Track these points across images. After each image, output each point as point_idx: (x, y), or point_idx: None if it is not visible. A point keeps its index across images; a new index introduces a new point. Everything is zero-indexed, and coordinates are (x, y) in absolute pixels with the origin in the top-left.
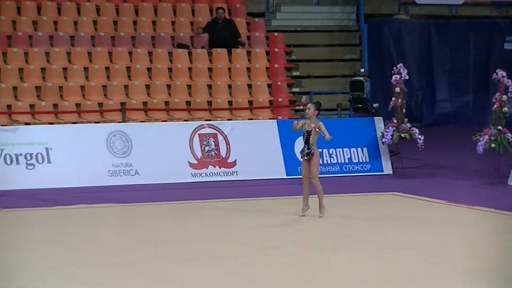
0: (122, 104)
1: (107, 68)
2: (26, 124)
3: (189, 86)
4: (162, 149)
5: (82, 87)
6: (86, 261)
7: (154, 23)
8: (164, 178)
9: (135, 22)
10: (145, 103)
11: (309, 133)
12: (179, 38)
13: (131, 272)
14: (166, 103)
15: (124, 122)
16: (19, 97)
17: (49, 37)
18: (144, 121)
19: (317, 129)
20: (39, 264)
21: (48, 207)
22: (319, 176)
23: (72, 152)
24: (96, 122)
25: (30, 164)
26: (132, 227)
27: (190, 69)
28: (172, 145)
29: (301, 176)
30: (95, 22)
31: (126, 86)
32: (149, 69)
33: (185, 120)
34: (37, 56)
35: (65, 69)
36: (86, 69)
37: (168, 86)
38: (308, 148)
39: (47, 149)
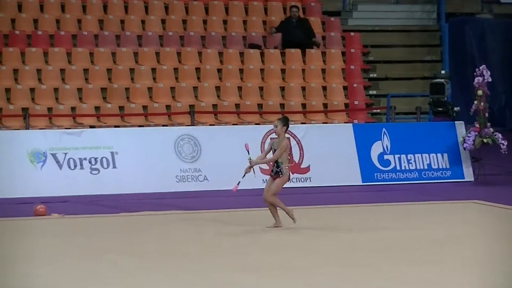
0: (191, 106)
1: (175, 69)
2: (91, 127)
3: (261, 88)
4: (232, 154)
5: (150, 89)
6: (154, 271)
7: (225, 22)
8: (233, 184)
9: (205, 21)
10: (215, 106)
11: (275, 151)
12: (251, 38)
13: (199, 281)
14: (237, 105)
15: (193, 125)
16: (84, 99)
17: (116, 37)
18: (213, 125)
19: (279, 147)
20: (107, 273)
21: (113, 214)
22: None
23: (138, 156)
24: (163, 126)
25: (94, 169)
26: (201, 235)
27: (262, 70)
28: (243, 149)
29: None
30: (163, 21)
31: (195, 88)
32: (219, 70)
33: (256, 124)
34: (103, 57)
35: (132, 70)
36: (153, 70)
37: (239, 88)
38: (278, 167)
39: (112, 153)
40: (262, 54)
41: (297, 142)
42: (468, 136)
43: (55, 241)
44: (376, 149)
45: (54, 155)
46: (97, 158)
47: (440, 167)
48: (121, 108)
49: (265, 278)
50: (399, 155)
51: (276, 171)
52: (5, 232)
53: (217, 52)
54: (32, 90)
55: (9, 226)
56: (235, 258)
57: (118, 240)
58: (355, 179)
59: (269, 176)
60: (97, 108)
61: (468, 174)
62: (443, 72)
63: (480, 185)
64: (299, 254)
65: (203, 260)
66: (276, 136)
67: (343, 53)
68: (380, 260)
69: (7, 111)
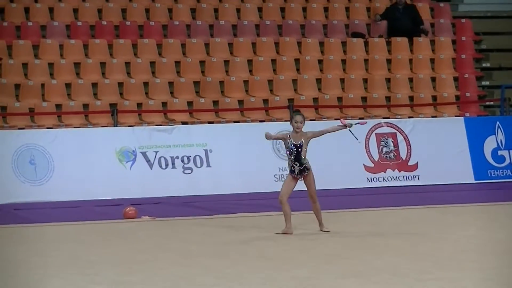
0: (290, 100)
1: (273, 61)
2: (183, 123)
3: (365, 80)
4: (334, 150)
5: (246, 82)
6: (252, 277)
7: (326, 9)
8: (337, 183)
9: (304, 9)
10: (315, 99)
11: (299, 147)
12: (354, 26)
13: None
14: (339, 99)
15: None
16: (175, 94)
17: (209, 27)
18: (314, 120)
19: (308, 140)
20: (200, 278)
21: (208, 216)
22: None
23: (234, 154)
24: (260, 121)
25: (187, 168)
26: (300, 238)
27: (366, 60)
28: (346, 146)
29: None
30: (259, 9)
31: (294, 81)
32: (320, 61)
33: (360, 118)
34: (195, 48)
35: (226, 62)
36: (250, 61)
37: (342, 80)
38: (301, 165)
39: (206, 151)
40: (366, 44)
41: (404, 138)
42: None
43: (145, 245)
44: (489, 144)
45: (144, 154)
46: (190, 156)
47: None
48: (215, 102)
49: (373, 284)
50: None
51: (300, 170)
52: (94, 236)
53: (318, 41)
54: (120, 84)
55: (97, 229)
56: (335, 263)
57: (211, 243)
58: (467, 176)
59: (289, 175)
60: (189, 103)
61: None
62: None
63: None
64: (407, 259)
65: (305, 265)
66: (294, 132)
67: (454, 41)
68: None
69: (94, 107)
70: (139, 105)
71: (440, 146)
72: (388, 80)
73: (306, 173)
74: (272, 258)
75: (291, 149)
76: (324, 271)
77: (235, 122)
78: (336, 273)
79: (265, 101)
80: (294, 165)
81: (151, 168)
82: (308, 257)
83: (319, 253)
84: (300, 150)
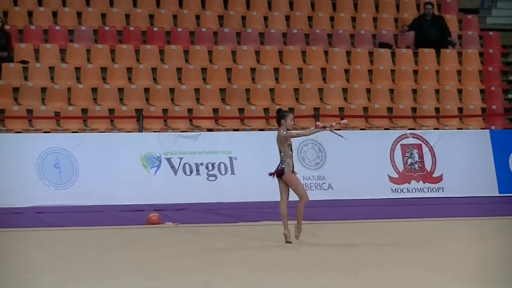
0: (316, 109)
1: (299, 69)
2: (208, 130)
3: (391, 91)
4: (359, 161)
5: (271, 90)
6: (274, 285)
7: (353, 19)
8: (360, 193)
9: (332, 18)
10: (341, 109)
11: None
12: (381, 37)
13: None
14: (365, 109)
15: None
16: (201, 100)
17: (236, 34)
18: (339, 129)
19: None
20: (222, 286)
21: (231, 224)
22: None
23: (258, 162)
24: None
25: (211, 175)
26: (325, 247)
27: (392, 71)
28: (371, 156)
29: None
30: (287, 18)
31: (320, 90)
32: (346, 71)
33: (385, 129)
34: (222, 55)
35: (253, 69)
36: (276, 70)
37: (368, 90)
38: (283, 163)
39: (230, 158)
40: (393, 54)
41: (429, 149)
42: None
43: (167, 251)
44: None
45: (168, 160)
46: (215, 163)
47: None
48: (240, 110)
49: None
50: None
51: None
52: (116, 241)
53: (345, 51)
54: (146, 90)
55: (120, 234)
56: (356, 274)
57: (233, 250)
58: (492, 189)
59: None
60: (215, 110)
61: None
62: None
63: None
64: (429, 271)
65: (326, 275)
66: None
67: (481, 54)
68: None
69: (120, 112)
70: (165, 111)
71: (465, 159)
72: (414, 91)
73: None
74: (293, 267)
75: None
76: (345, 281)
77: (260, 130)
78: (357, 284)
79: (291, 109)
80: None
81: (176, 174)
82: (330, 266)
83: (340, 263)
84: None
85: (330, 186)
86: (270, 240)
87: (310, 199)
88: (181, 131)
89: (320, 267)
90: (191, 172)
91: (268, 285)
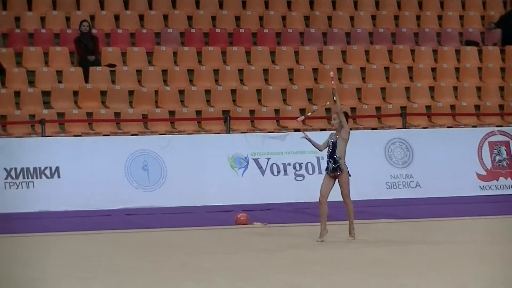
0: (403, 108)
1: (386, 69)
2: (296, 130)
3: (479, 88)
4: (446, 158)
5: (358, 90)
6: (363, 285)
7: (440, 17)
8: (448, 191)
9: (418, 17)
10: (428, 107)
11: (334, 144)
12: (467, 34)
13: None
14: (452, 107)
15: (405, 128)
16: (288, 101)
17: (322, 34)
18: (427, 127)
19: (343, 137)
20: (313, 287)
21: (320, 223)
22: None
23: (346, 161)
24: (373, 129)
25: (299, 175)
26: (412, 244)
27: (479, 69)
28: (458, 154)
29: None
30: (373, 17)
31: (407, 88)
32: (433, 69)
33: (473, 126)
34: (308, 56)
35: (339, 69)
36: (363, 69)
37: (455, 88)
38: (335, 163)
39: (318, 158)
40: (480, 52)
41: None
42: None
43: (256, 252)
44: None
45: (256, 160)
46: (302, 163)
47: None
48: (327, 110)
49: None
50: None
51: (333, 168)
52: (205, 242)
53: (431, 49)
54: (233, 91)
55: (209, 235)
56: (438, 271)
57: (323, 250)
58: None
59: (325, 174)
60: (301, 110)
61: None
62: None
63: None
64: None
65: (413, 272)
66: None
67: None
68: None
69: (207, 114)
70: (252, 112)
71: None
72: (501, 89)
73: (338, 173)
74: (378, 264)
75: (329, 144)
76: (430, 279)
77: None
78: (443, 282)
79: (377, 108)
80: (329, 162)
81: (263, 175)
82: (416, 263)
83: (430, 260)
84: (335, 147)
85: (418, 184)
86: (358, 239)
87: (398, 197)
88: (268, 132)
89: (403, 264)
90: (278, 172)
91: (360, 285)
